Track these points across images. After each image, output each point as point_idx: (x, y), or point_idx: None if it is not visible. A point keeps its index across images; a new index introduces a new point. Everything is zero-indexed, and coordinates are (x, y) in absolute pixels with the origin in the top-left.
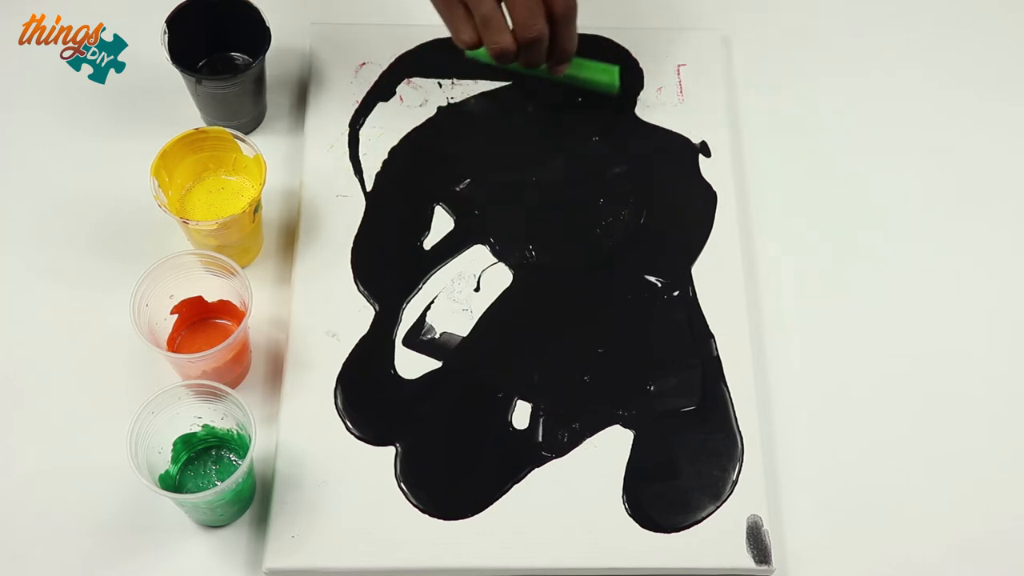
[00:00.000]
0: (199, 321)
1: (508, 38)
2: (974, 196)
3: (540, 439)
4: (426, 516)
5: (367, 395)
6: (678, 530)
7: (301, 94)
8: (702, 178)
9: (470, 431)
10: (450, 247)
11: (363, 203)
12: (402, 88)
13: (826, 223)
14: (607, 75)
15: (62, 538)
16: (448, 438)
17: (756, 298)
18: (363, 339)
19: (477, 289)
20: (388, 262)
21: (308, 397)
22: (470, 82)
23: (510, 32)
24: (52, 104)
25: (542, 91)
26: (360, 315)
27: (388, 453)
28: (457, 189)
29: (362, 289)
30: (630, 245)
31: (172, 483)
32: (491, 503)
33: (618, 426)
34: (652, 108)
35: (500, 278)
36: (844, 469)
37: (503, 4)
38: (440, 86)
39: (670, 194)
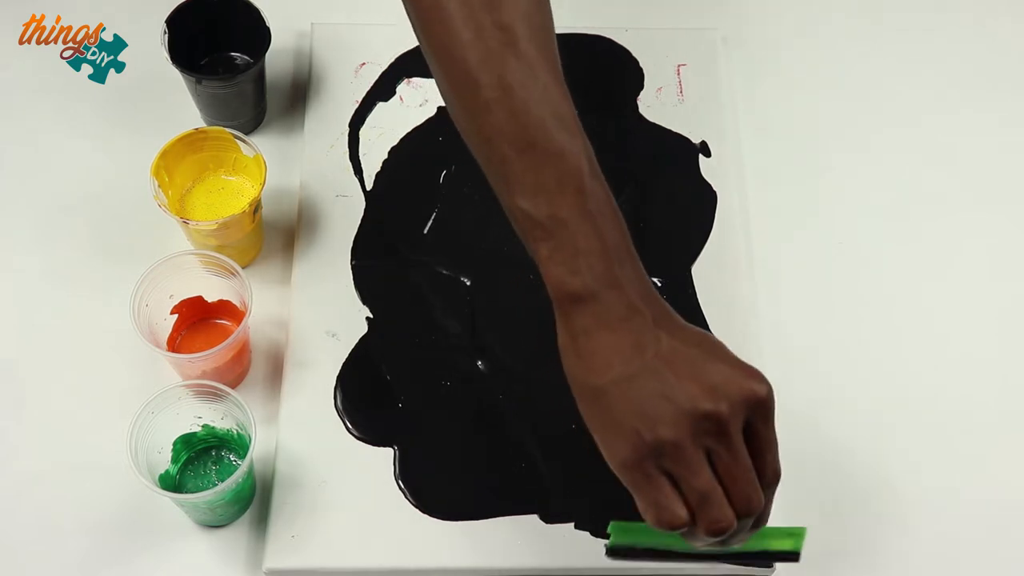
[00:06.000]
0: (199, 321)
1: (730, 513)
2: (975, 195)
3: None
4: (426, 516)
5: (367, 395)
6: None
7: (301, 94)
8: (702, 178)
9: (470, 431)
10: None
11: (363, 203)
12: (402, 88)
13: (826, 223)
14: (791, 540)
15: (61, 537)
16: (448, 438)
17: (756, 298)
18: (363, 339)
19: (474, 285)
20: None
21: (308, 397)
22: None
23: (731, 506)
24: (52, 104)
25: None
26: (360, 315)
27: (388, 453)
28: (458, 189)
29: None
30: None
31: (172, 483)
32: (491, 504)
33: None
34: (652, 108)
35: (498, 274)
36: (844, 469)
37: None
38: None
39: (670, 194)
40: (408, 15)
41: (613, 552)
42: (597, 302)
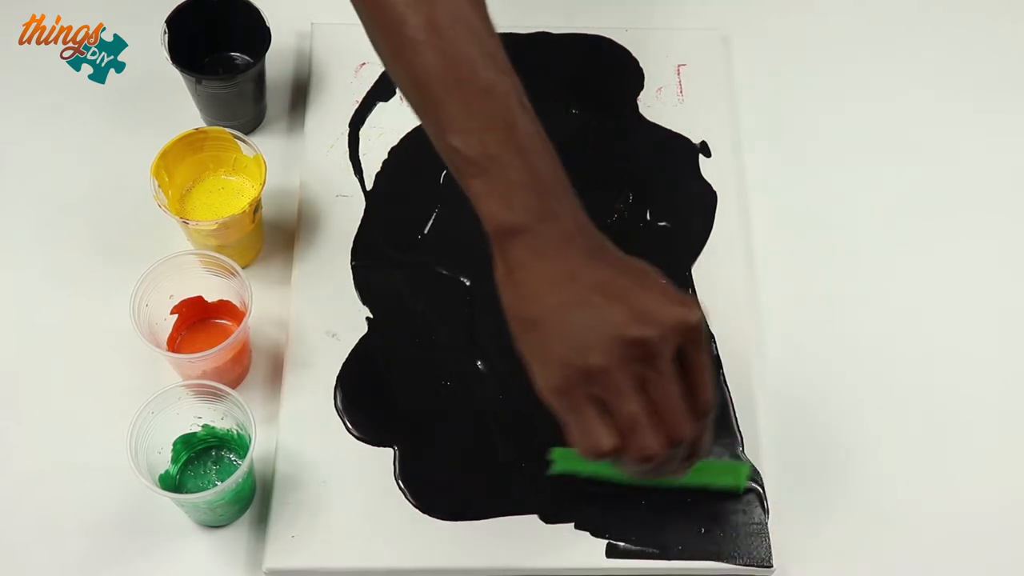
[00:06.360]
0: (199, 321)
1: (659, 440)
2: (973, 196)
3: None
4: (426, 516)
5: (367, 395)
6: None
7: (301, 94)
8: (702, 178)
9: (470, 431)
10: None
11: (363, 203)
12: None
13: (826, 223)
14: (732, 476)
15: (61, 538)
16: (448, 438)
17: (756, 298)
18: (363, 339)
19: (473, 285)
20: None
21: (308, 397)
22: None
23: (660, 433)
24: (52, 104)
25: (540, 91)
26: (360, 315)
27: (388, 453)
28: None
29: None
30: (630, 245)
31: (172, 483)
32: (491, 504)
33: None
34: (652, 108)
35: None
36: (844, 469)
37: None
38: None
39: (670, 194)
40: None
41: (554, 478)
42: (532, 234)
